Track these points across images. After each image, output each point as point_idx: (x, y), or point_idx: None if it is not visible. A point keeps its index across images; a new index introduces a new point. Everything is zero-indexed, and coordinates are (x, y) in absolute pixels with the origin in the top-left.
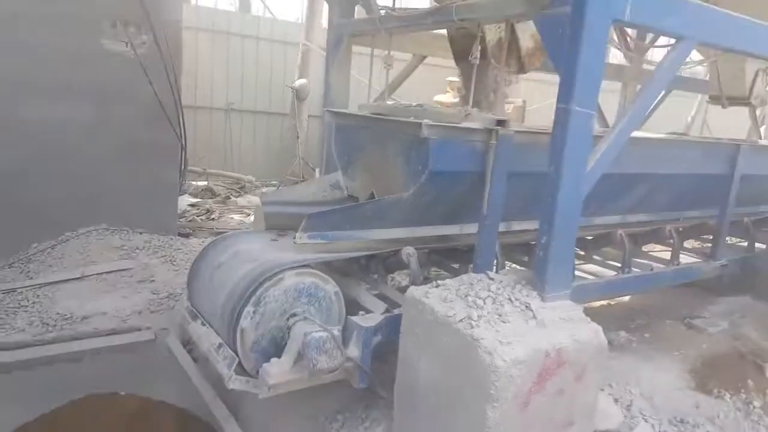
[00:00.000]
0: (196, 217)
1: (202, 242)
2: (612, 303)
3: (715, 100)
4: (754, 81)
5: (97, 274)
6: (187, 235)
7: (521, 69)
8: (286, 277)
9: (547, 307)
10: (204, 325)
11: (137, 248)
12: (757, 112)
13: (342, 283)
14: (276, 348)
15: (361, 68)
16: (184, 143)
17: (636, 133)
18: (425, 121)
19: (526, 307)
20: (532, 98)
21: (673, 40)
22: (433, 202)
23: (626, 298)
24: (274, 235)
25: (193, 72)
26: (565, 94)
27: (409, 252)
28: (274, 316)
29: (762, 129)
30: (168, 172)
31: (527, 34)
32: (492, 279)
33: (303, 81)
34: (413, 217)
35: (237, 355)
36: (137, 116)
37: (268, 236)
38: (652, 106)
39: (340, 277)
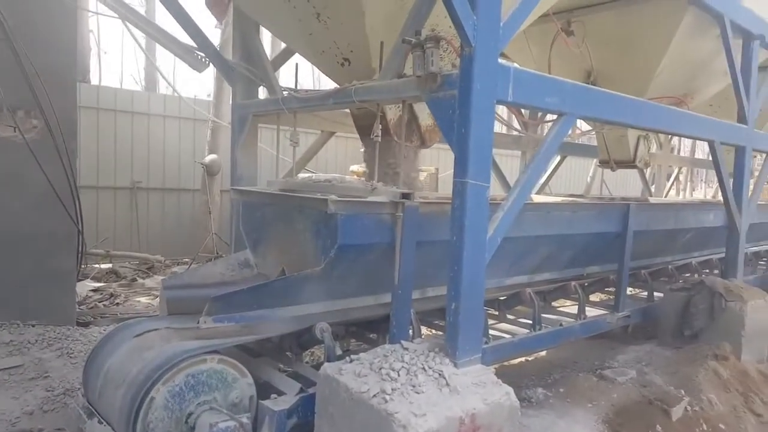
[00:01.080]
0: (98, 303)
1: (103, 330)
2: (530, 359)
3: (604, 164)
4: (636, 146)
5: None
6: (87, 324)
7: (423, 144)
8: (157, 396)
9: (459, 373)
10: (101, 423)
11: (29, 342)
12: (647, 173)
13: (253, 365)
14: None
15: (274, 141)
16: (80, 227)
17: (538, 198)
18: (331, 197)
19: (440, 374)
20: (445, 165)
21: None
22: (344, 275)
23: (543, 353)
24: (149, 323)
25: (95, 152)
26: (460, 170)
27: (322, 327)
28: (171, 430)
29: (653, 187)
30: (63, 258)
31: (426, 113)
32: (406, 349)
33: (213, 156)
34: (326, 291)
35: None
36: (27, 202)
37: (135, 331)
38: (549, 173)
39: (251, 358)
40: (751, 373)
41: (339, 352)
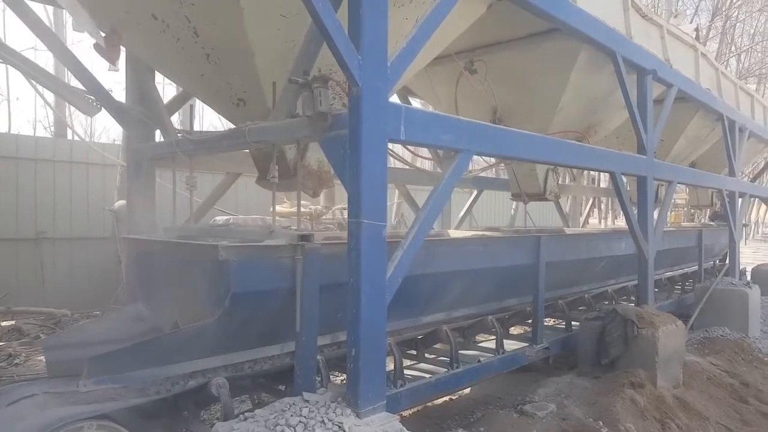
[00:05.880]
0: None
1: None
2: (454, 397)
3: (516, 197)
4: (546, 179)
5: None
6: None
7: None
8: None
9: (362, 424)
10: None
11: None
12: (566, 205)
13: (145, 427)
14: None
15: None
16: None
17: (454, 233)
18: (222, 242)
19: (339, 427)
20: None
21: None
22: (243, 325)
23: (467, 390)
24: (25, 388)
25: None
26: (354, 209)
27: (219, 383)
28: None
29: (569, 217)
30: None
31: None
32: (306, 401)
33: (123, 202)
34: (223, 343)
35: None
36: None
37: (8, 399)
38: (467, 206)
39: (144, 421)
40: (666, 399)
41: (251, 406)
